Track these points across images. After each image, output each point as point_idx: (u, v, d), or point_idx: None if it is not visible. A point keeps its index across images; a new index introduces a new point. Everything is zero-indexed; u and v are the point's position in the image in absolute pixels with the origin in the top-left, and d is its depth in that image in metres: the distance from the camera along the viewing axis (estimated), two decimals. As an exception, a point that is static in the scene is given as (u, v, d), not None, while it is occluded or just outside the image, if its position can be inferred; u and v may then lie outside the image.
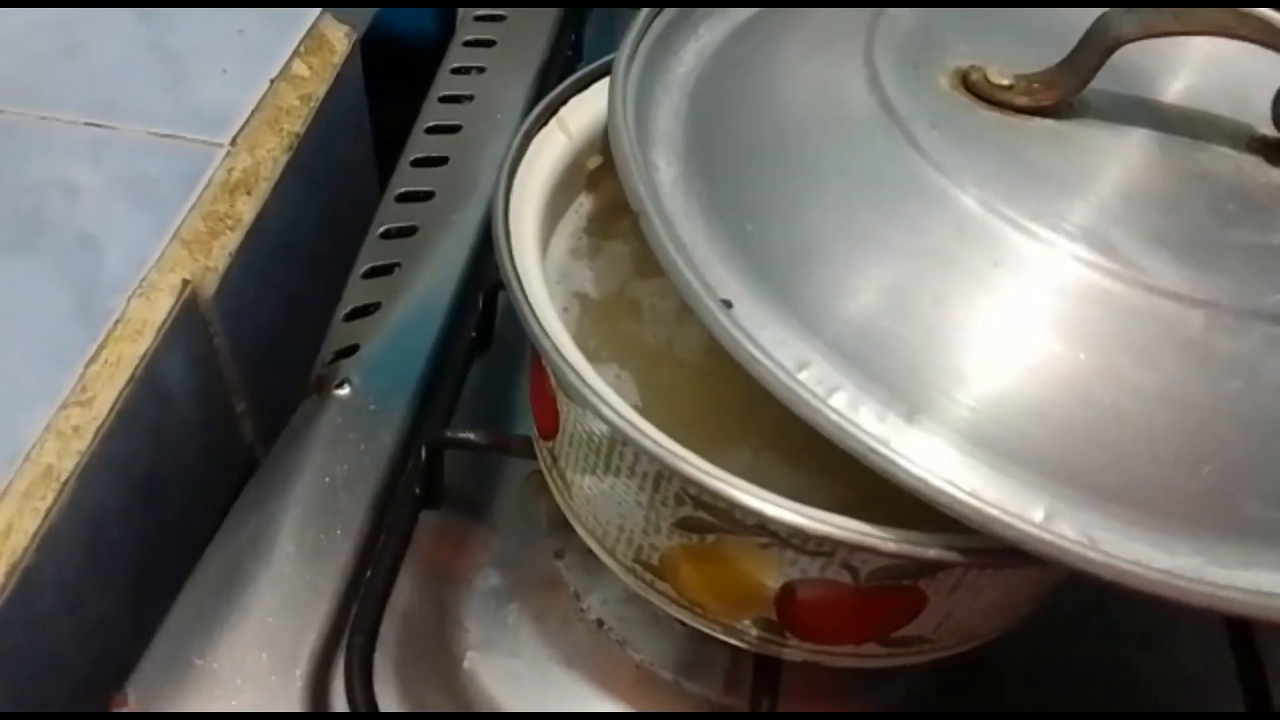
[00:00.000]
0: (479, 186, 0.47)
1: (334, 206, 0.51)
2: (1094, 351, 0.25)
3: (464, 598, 0.37)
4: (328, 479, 0.38)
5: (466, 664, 0.36)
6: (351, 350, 0.42)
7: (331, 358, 0.42)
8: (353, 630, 0.34)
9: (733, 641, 0.31)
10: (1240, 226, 0.27)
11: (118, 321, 0.39)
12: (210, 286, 0.42)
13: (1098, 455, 0.25)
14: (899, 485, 0.24)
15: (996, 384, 0.25)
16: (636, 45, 0.32)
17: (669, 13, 0.34)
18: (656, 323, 0.33)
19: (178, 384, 0.41)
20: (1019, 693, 0.36)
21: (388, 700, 0.34)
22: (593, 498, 0.31)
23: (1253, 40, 0.28)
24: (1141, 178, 0.28)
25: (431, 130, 0.49)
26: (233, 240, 0.43)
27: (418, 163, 0.48)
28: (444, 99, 0.51)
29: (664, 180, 0.30)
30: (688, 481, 0.26)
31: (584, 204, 0.35)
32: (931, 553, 0.25)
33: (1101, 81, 0.29)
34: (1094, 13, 0.28)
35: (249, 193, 0.45)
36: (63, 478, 0.35)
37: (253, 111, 0.46)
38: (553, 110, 0.33)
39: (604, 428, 0.27)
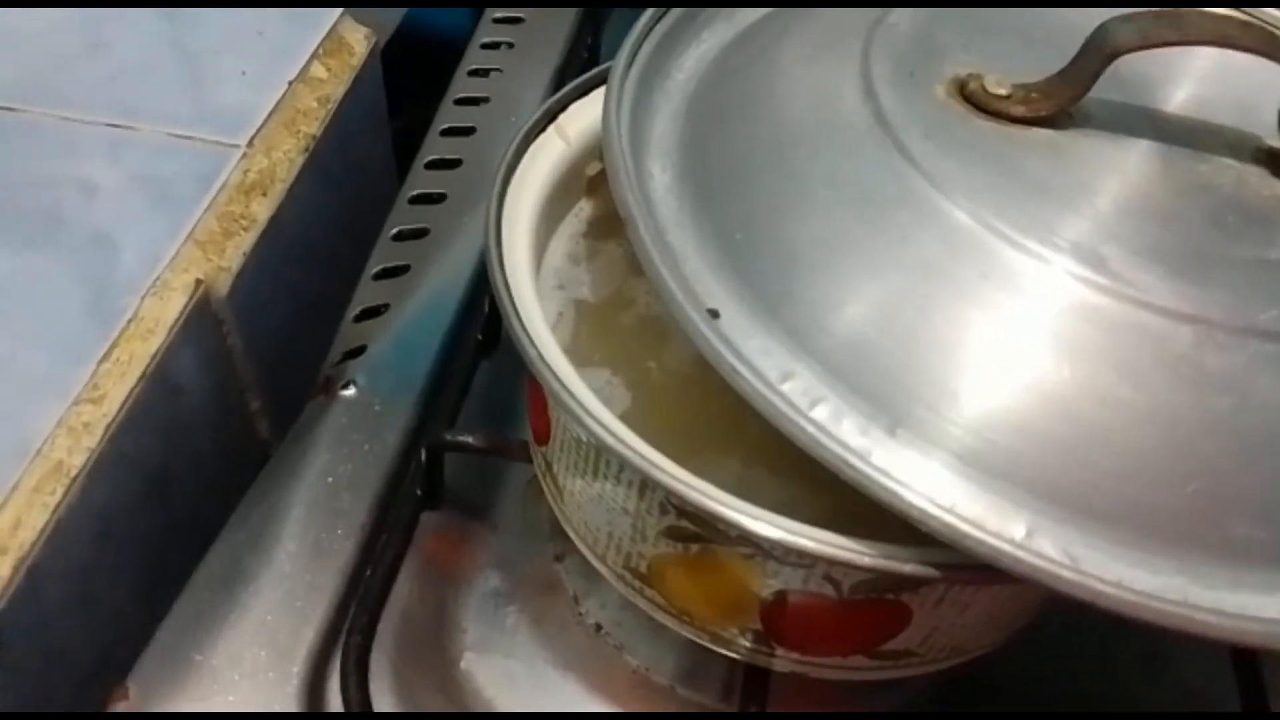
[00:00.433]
0: (490, 189, 0.47)
1: (352, 207, 0.52)
2: (1080, 367, 0.25)
3: (463, 599, 0.37)
4: (331, 479, 0.38)
5: (463, 665, 0.36)
6: (359, 351, 0.42)
7: (339, 358, 0.42)
8: (350, 629, 0.34)
9: (721, 651, 0.31)
10: (1239, 240, 0.27)
11: (130, 320, 0.40)
12: (224, 286, 0.42)
13: (1082, 472, 0.24)
14: (875, 500, 0.24)
15: (982, 399, 0.25)
16: (634, 52, 0.32)
17: (671, 18, 0.34)
18: (650, 330, 0.33)
19: (190, 382, 0.42)
20: (1016, 711, 0.36)
21: (383, 700, 0.34)
22: (584, 504, 0.31)
23: (1256, 52, 0.27)
24: (1139, 190, 0.28)
25: (446, 132, 0.50)
26: (247, 241, 0.43)
27: (432, 165, 0.49)
28: (460, 101, 0.51)
29: (657, 187, 0.30)
30: (669, 492, 0.26)
31: (584, 209, 0.35)
32: (908, 568, 0.24)
33: (1102, 90, 0.28)
34: (1100, 16, 0.28)
35: (264, 194, 0.45)
36: (72, 473, 0.36)
37: (270, 113, 0.47)
38: (551, 116, 0.33)
39: (589, 436, 0.27)
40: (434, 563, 0.38)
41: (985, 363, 0.26)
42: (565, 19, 0.55)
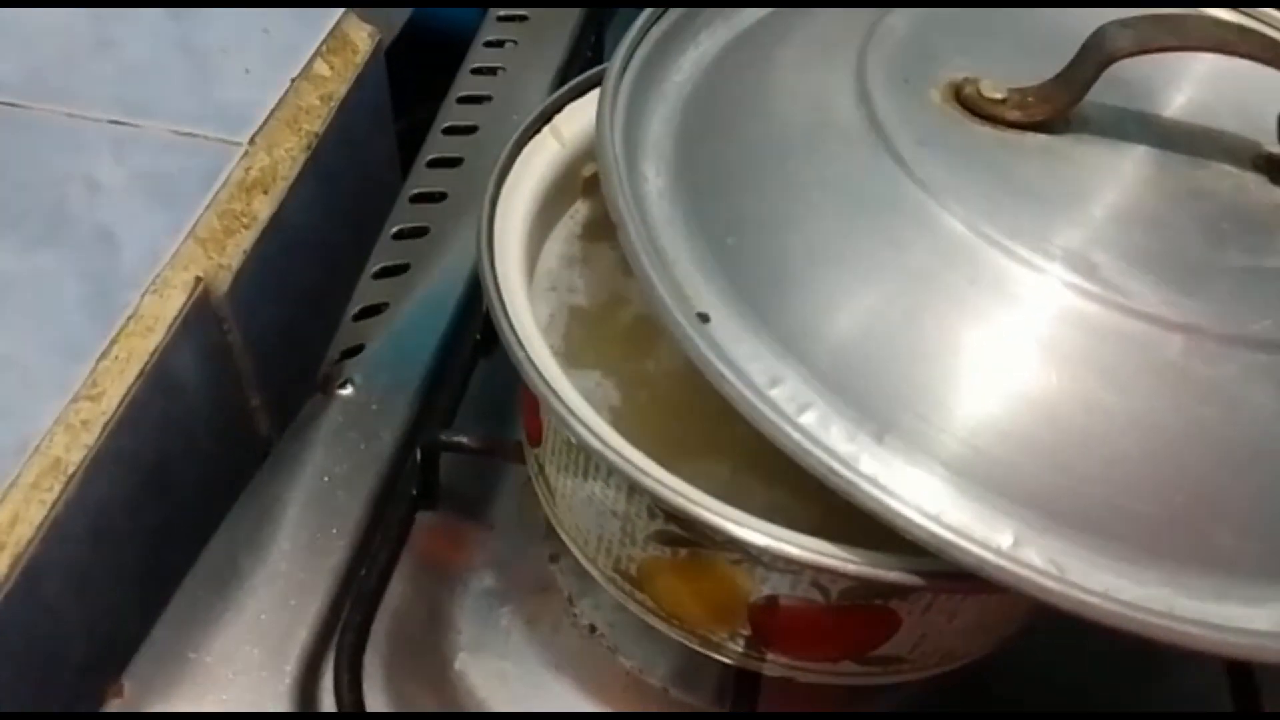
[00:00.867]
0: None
1: (354, 206, 0.52)
2: (1068, 375, 0.25)
3: (457, 599, 0.37)
4: (327, 477, 0.38)
5: (457, 665, 0.36)
6: (357, 350, 0.42)
7: (338, 357, 0.42)
8: (344, 628, 0.34)
9: (712, 654, 0.31)
10: (1233, 248, 0.27)
11: (130, 317, 0.40)
12: (224, 284, 0.42)
13: (1069, 481, 0.24)
14: (860, 508, 0.24)
15: (970, 406, 0.25)
16: (630, 54, 0.32)
17: (668, 20, 0.33)
18: (642, 333, 0.33)
19: (190, 379, 0.42)
20: (1012, 711, 0.35)
21: (376, 698, 0.34)
22: (575, 506, 0.31)
23: (1255, 58, 0.27)
24: (1134, 196, 0.28)
25: (448, 131, 0.50)
26: (247, 238, 0.44)
27: (433, 163, 0.49)
28: (462, 99, 0.51)
29: (651, 190, 0.30)
30: (655, 497, 0.26)
31: (580, 211, 0.35)
32: (893, 576, 0.24)
33: (1100, 94, 0.28)
34: (1102, 18, 0.28)
35: (266, 191, 0.45)
36: (70, 470, 0.36)
37: (272, 111, 0.47)
38: (546, 118, 0.33)
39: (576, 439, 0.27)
40: (428, 562, 0.38)
41: (974, 370, 0.25)
42: (569, 18, 0.55)
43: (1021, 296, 0.25)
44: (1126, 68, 0.28)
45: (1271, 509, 0.24)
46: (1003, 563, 0.23)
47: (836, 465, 0.24)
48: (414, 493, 0.38)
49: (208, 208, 0.44)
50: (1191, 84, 0.30)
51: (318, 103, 0.49)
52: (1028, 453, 0.25)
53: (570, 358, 0.30)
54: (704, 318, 0.27)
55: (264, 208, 0.45)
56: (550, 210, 0.34)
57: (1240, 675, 0.33)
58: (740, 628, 0.29)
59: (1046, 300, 0.25)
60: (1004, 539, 0.24)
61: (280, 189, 0.46)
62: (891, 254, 0.27)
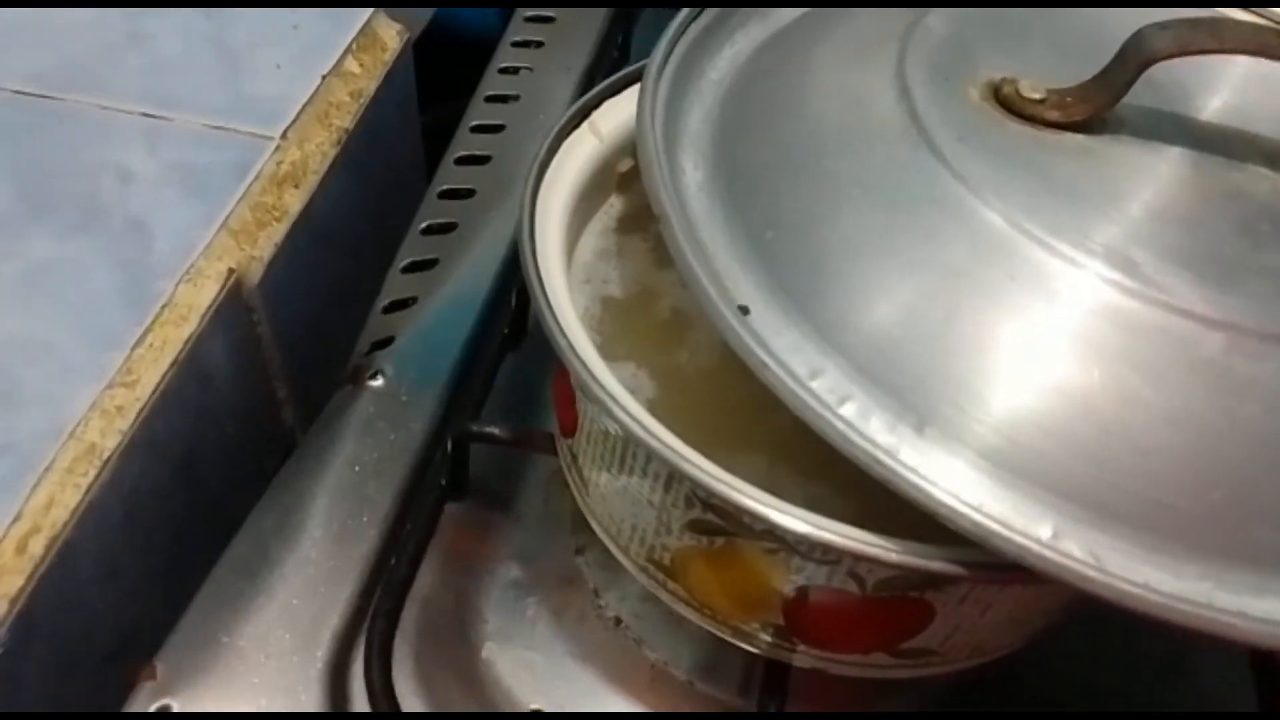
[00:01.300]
0: (519, 186, 0.47)
1: (381, 200, 0.52)
2: (1108, 370, 0.25)
3: (484, 589, 0.38)
4: (357, 467, 0.39)
5: (484, 654, 0.36)
6: (387, 342, 0.42)
7: (368, 349, 0.42)
8: (374, 615, 0.35)
9: (742, 645, 0.31)
10: (1270, 249, 0.27)
11: (164, 306, 0.40)
12: (255, 275, 0.43)
13: (1107, 475, 0.24)
14: (903, 496, 0.24)
15: (1009, 399, 0.25)
16: (670, 51, 0.32)
17: (705, 18, 0.34)
18: (676, 325, 0.33)
19: (220, 368, 0.42)
20: (1034, 713, 0.36)
21: (405, 685, 0.34)
22: (608, 496, 0.31)
23: (1293, 61, 0.27)
24: (1171, 196, 0.28)
25: (476, 129, 0.50)
26: (279, 231, 0.44)
27: (461, 160, 0.49)
28: (490, 98, 0.52)
29: (690, 184, 0.30)
30: (696, 484, 0.26)
31: (614, 205, 0.36)
32: (935, 565, 0.25)
33: (1137, 96, 0.28)
34: (1138, 19, 0.28)
35: (296, 185, 0.46)
36: (104, 455, 0.36)
37: (304, 106, 0.47)
38: (585, 113, 0.34)
39: (617, 427, 0.28)
40: (456, 553, 0.38)
41: (1013, 363, 0.26)
42: (596, 18, 0.56)
43: (1061, 292, 0.26)
44: (1162, 69, 0.28)
45: (1309, 505, 0.25)
46: (1046, 553, 0.23)
47: (881, 455, 0.24)
48: (443, 483, 0.38)
49: (240, 200, 0.44)
50: (1227, 87, 0.31)
51: (348, 99, 0.49)
52: (1066, 446, 0.25)
53: (606, 350, 0.30)
54: (744, 310, 0.27)
55: (295, 201, 0.45)
56: (587, 204, 0.34)
57: (1266, 673, 0.33)
58: (773, 618, 0.29)
59: (1086, 296, 0.26)
60: (1044, 530, 0.24)
61: (311, 183, 0.46)
62: (931, 248, 0.27)
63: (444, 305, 0.43)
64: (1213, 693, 0.36)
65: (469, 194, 0.48)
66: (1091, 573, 0.23)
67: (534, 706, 0.35)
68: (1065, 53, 0.31)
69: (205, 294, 0.41)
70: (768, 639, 0.30)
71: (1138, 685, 0.36)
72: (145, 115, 0.47)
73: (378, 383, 0.41)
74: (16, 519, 0.34)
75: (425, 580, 0.37)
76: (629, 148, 0.35)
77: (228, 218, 0.43)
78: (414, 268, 0.45)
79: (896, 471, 0.24)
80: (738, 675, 0.36)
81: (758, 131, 0.31)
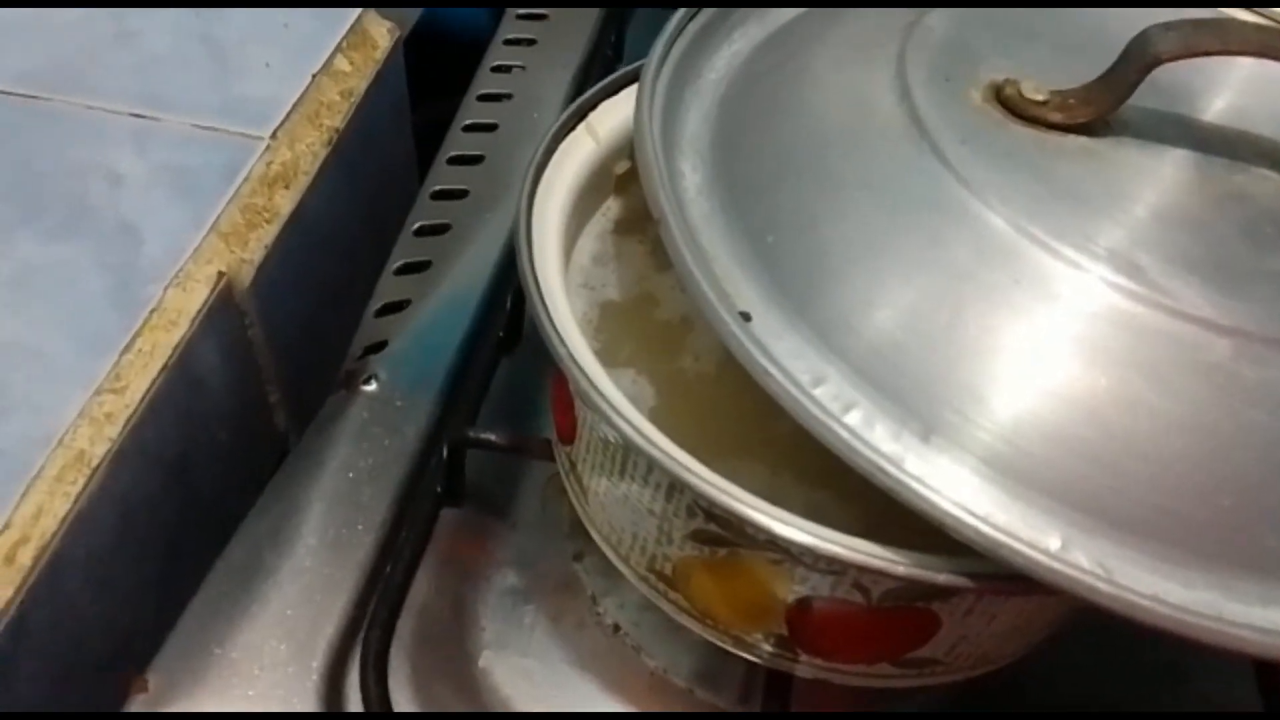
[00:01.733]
0: (513, 186, 0.46)
1: (373, 201, 0.52)
2: (1114, 376, 0.25)
3: (481, 596, 0.37)
4: (351, 473, 0.38)
5: (481, 662, 0.36)
6: (380, 346, 0.42)
7: (361, 353, 0.42)
8: (370, 624, 0.34)
9: (744, 655, 0.31)
10: (1275, 252, 0.27)
11: (153, 311, 0.40)
12: (246, 278, 0.42)
13: (1115, 483, 0.24)
14: (908, 507, 0.23)
15: (1015, 406, 0.25)
16: (667, 51, 0.32)
17: (703, 18, 0.33)
18: (675, 330, 0.33)
19: (211, 373, 0.42)
20: (1038, 713, 0.35)
21: (401, 694, 0.34)
22: (608, 505, 0.31)
23: (1299, 62, 0.27)
24: (1175, 199, 0.28)
25: (469, 128, 0.50)
26: (269, 233, 0.43)
27: (454, 160, 0.49)
28: (482, 97, 0.51)
29: (688, 187, 0.30)
30: (698, 494, 0.26)
31: (611, 208, 0.35)
32: (942, 578, 0.24)
33: (1140, 97, 0.28)
34: (1140, 20, 0.28)
35: (287, 186, 0.45)
36: (93, 463, 0.36)
37: (294, 105, 0.47)
38: (581, 115, 0.33)
39: (618, 436, 0.27)
40: (452, 560, 0.38)
41: (1018, 370, 0.25)
42: (589, 17, 0.55)
43: (1066, 296, 0.25)
44: (1165, 71, 0.28)
45: (1319, 513, 0.24)
46: (1055, 565, 0.23)
47: (886, 465, 0.24)
48: (438, 490, 0.38)
49: (230, 202, 0.43)
50: (1230, 88, 0.30)
51: (338, 98, 0.49)
52: (1073, 453, 0.24)
53: (605, 356, 0.30)
54: (746, 316, 0.27)
55: (285, 202, 0.45)
56: (583, 207, 0.34)
57: (1270, 679, 0.33)
58: (776, 629, 0.29)
59: (1091, 300, 0.25)
60: (1052, 541, 0.24)
61: (302, 184, 0.45)
62: (934, 252, 0.27)
63: (438, 308, 0.43)
64: (1215, 698, 0.36)
65: (462, 194, 0.47)
66: (1101, 585, 0.23)
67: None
68: (1067, 53, 0.30)
69: (195, 298, 0.40)
70: (770, 649, 0.30)
71: (1139, 691, 0.36)
72: (134, 115, 0.46)
73: (371, 388, 0.41)
74: (5, 528, 0.33)
75: (421, 588, 0.36)
76: (626, 149, 0.34)
77: (218, 220, 0.43)
78: (407, 270, 0.45)
79: (902, 482, 0.23)
80: (738, 683, 0.36)
81: (757, 134, 0.31)
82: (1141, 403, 0.24)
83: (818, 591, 0.27)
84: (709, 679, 0.36)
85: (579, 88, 0.51)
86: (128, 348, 0.38)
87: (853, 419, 0.25)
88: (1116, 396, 0.25)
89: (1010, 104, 0.29)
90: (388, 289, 0.44)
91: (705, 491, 0.25)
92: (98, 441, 0.36)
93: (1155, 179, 0.28)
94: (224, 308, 0.42)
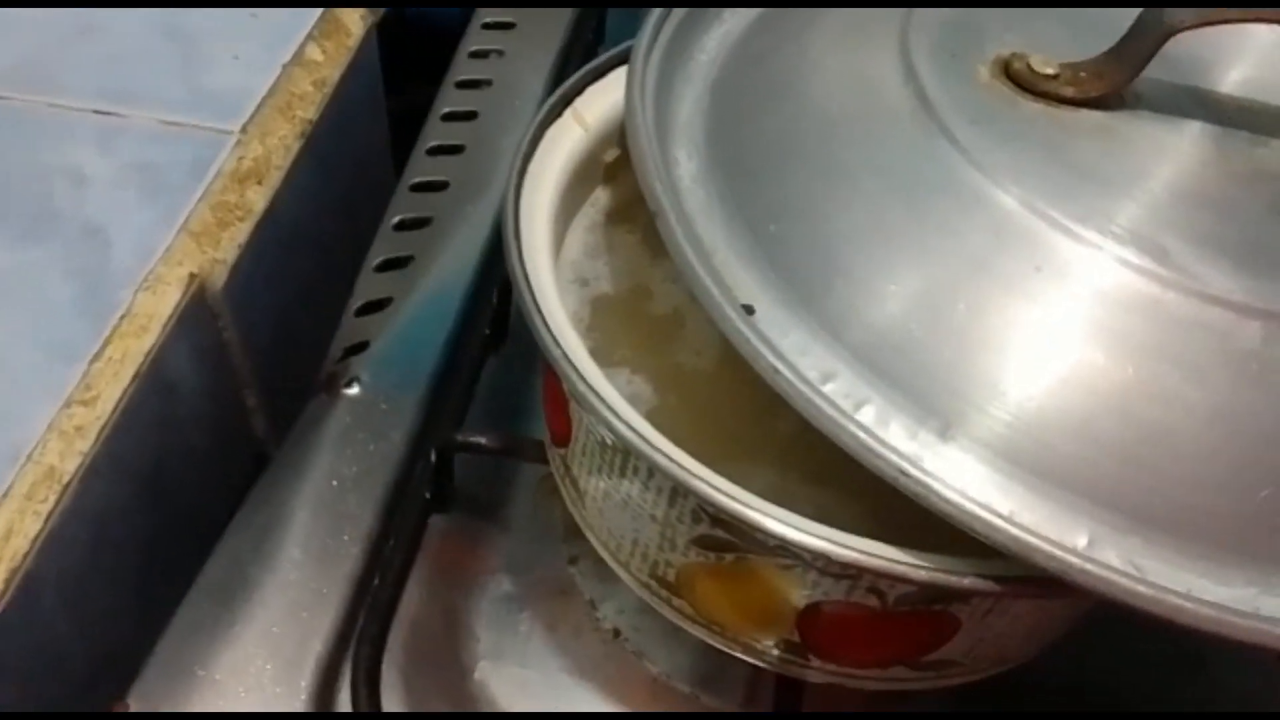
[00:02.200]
0: (495, 176, 0.45)
1: (349, 196, 0.50)
2: (1141, 364, 0.23)
3: (474, 605, 0.36)
4: (335, 481, 0.37)
5: (477, 675, 0.35)
6: (362, 347, 0.40)
7: (341, 354, 0.40)
8: (359, 639, 0.33)
9: (753, 661, 0.29)
10: (1302, 230, 0.25)
11: (123, 316, 0.38)
12: (219, 279, 0.41)
13: (1143, 477, 0.23)
14: (932, 510, 0.22)
15: (1035, 399, 0.24)
16: (656, 33, 0.30)
17: (690, -3, 0.32)
18: (671, 326, 0.31)
19: (185, 379, 0.40)
20: (1051, 713, 0.34)
21: (395, 709, 0.32)
22: (606, 510, 0.29)
23: (1319, 28, 0.26)
24: (1196, 176, 0.26)
25: (448, 117, 0.48)
26: (242, 231, 0.42)
27: (433, 151, 0.47)
28: (461, 84, 0.49)
29: (684, 175, 0.29)
30: (704, 500, 0.24)
31: (600, 198, 0.34)
32: (966, 582, 0.23)
33: (1154, 71, 0.27)
34: (1145, -3, 0.27)
35: (260, 182, 0.43)
36: (65, 479, 0.34)
37: (264, 97, 0.45)
38: (567, 101, 0.32)
39: (616, 439, 0.26)
40: (443, 568, 0.37)
41: (1037, 359, 0.24)
42: (568, -1, 0.54)
43: (1088, 281, 0.24)
44: (1179, 45, 0.26)
45: (1354, 503, 0.23)
46: (1085, 565, 0.21)
47: (906, 465, 0.22)
48: (427, 495, 0.36)
49: (200, 200, 0.42)
50: (1246, 60, 0.29)
51: (311, 89, 0.47)
52: (1098, 448, 0.23)
53: (600, 355, 0.28)
54: (749, 309, 0.25)
55: (258, 199, 0.43)
56: (572, 198, 0.32)
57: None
58: (786, 634, 0.28)
59: (1114, 286, 0.24)
60: (1079, 539, 0.23)
61: (274, 179, 0.44)
62: (947, 238, 0.25)
63: (421, 306, 0.41)
64: (1234, 688, 0.35)
65: (442, 186, 0.46)
66: (1134, 585, 0.22)
67: (531, 729, 0.34)
68: (1075, 26, 0.29)
69: (166, 301, 0.39)
70: (780, 655, 0.29)
71: (1158, 681, 0.35)
72: (98, 113, 0.44)
73: (354, 390, 0.39)
74: (-28, 551, 0.32)
75: (412, 598, 0.35)
76: (614, 136, 0.33)
77: (188, 219, 0.41)
78: (387, 266, 0.43)
79: (928, 485, 0.22)
80: (743, 686, 0.35)
81: (754, 118, 0.29)
82: (1170, 392, 0.23)
83: (830, 596, 0.26)
84: (713, 683, 0.35)
85: (560, 73, 0.50)
86: (97, 356, 0.37)
87: (866, 416, 0.24)
88: (1143, 386, 0.23)
89: (1020, 79, 0.28)
90: (368, 287, 0.43)
91: (712, 497, 0.24)
92: (68, 456, 0.34)
93: (1174, 155, 0.27)
94: (197, 311, 0.40)
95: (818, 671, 0.29)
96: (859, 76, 0.28)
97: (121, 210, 0.41)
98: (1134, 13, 0.27)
